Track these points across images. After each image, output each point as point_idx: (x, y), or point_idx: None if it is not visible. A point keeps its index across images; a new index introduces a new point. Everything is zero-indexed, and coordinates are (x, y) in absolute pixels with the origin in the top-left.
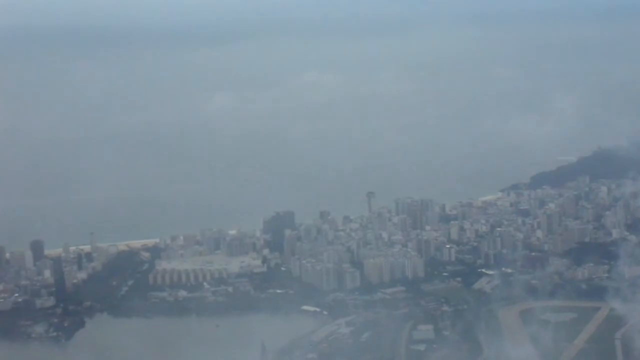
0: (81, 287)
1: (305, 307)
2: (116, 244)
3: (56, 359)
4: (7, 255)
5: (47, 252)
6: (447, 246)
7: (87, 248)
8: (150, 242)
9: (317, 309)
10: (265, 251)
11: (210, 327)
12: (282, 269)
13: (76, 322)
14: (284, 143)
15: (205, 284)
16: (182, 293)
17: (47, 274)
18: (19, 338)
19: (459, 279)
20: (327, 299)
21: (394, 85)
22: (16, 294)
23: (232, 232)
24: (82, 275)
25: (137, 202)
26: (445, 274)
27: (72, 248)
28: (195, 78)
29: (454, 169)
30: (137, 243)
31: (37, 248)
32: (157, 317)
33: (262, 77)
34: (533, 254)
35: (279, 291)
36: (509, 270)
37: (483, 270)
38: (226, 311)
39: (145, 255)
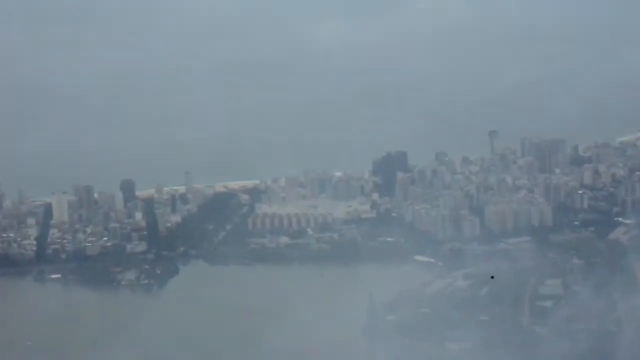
0: (175, 232)
1: (418, 257)
2: (213, 185)
3: (148, 308)
4: (96, 195)
5: (138, 193)
6: (580, 192)
7: (181, 189)
8: (249, 183)
9: (431, 260)
10: (375, 195)
11: (314, 276)
12: (393, 215)
13: (169, 269)
14: (397, 76)
15: (308, 230)
16: (284, 239)
17: (139, 216)
18: (108, 285)
19: (591, 228)
20: (442, 248)
21: (522, 12)
22: (105, 238)
23: (338, 174)
24: (176, 218)
25: (236, 141)
26: (576, 222)
27: (165, 189)
28: (300, 4)
29: (588, 106)
30: (235, 184)
31: (127, 188)
32: (257, 265)
33: (376, 2)
34: None
35: (389, 239)
36: None
37: (619, 219)
38: (331, 260)
39: (245, 197)
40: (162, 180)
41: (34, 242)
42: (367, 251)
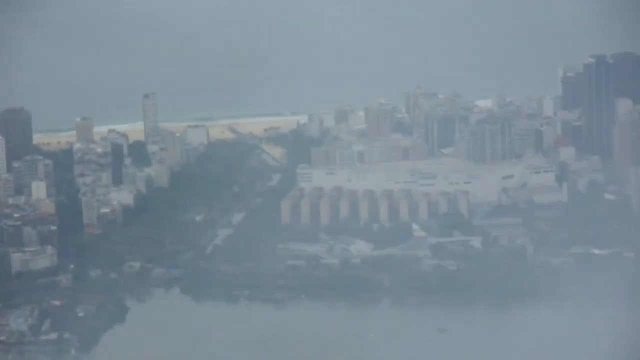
0: (121, 227)
1: None
2: (205, 125)
3: None
4: None
5: (38, 137)
6: None
7: (134, 131)
8: (284, 121)
9: None
10: (566, 151)
11: (429, 332)
12: (609, 197)
13: (106, 309)
14: None
15: (415, 227)
16: (361, 247)
17: (39, 190)
18: None
19: None
20: None
21: None
22: None
23: (483, 102)
24: (122, 196)
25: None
26: None
27: (98, 130)
28: None
29: None
30: (252, 123)
31: (15, 127)
32: (300, 302)
33: None
34: None
35: (597, 252)
36: None
37: None
38: (465, 293)
39: (274, 153)
40: (94, 111)
41: None
42: (545, 277)
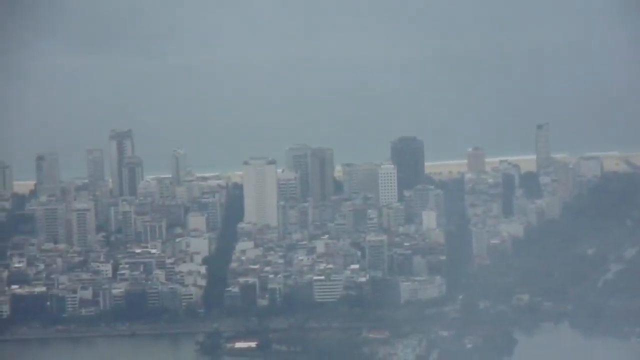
0: (509, 258)
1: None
2: (598, 156)
3: None
4: None
5: (428, 167)
6: None
7: (525, 160)
8: None
9: None
10: None
11: None
12: None
13: (494, 342)
14: None
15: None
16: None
17: (429, 219)
18: None
19: None
20: None
21: None
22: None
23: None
24: (512, 227)
25: None
26: None
27: (489, 160)
28: None
29: None
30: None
31: (407, 154)
32: None
33: None
34: None
35: None
36: None
37: None
38: None
39: None
40: (485, 142)
41: None
42: None
